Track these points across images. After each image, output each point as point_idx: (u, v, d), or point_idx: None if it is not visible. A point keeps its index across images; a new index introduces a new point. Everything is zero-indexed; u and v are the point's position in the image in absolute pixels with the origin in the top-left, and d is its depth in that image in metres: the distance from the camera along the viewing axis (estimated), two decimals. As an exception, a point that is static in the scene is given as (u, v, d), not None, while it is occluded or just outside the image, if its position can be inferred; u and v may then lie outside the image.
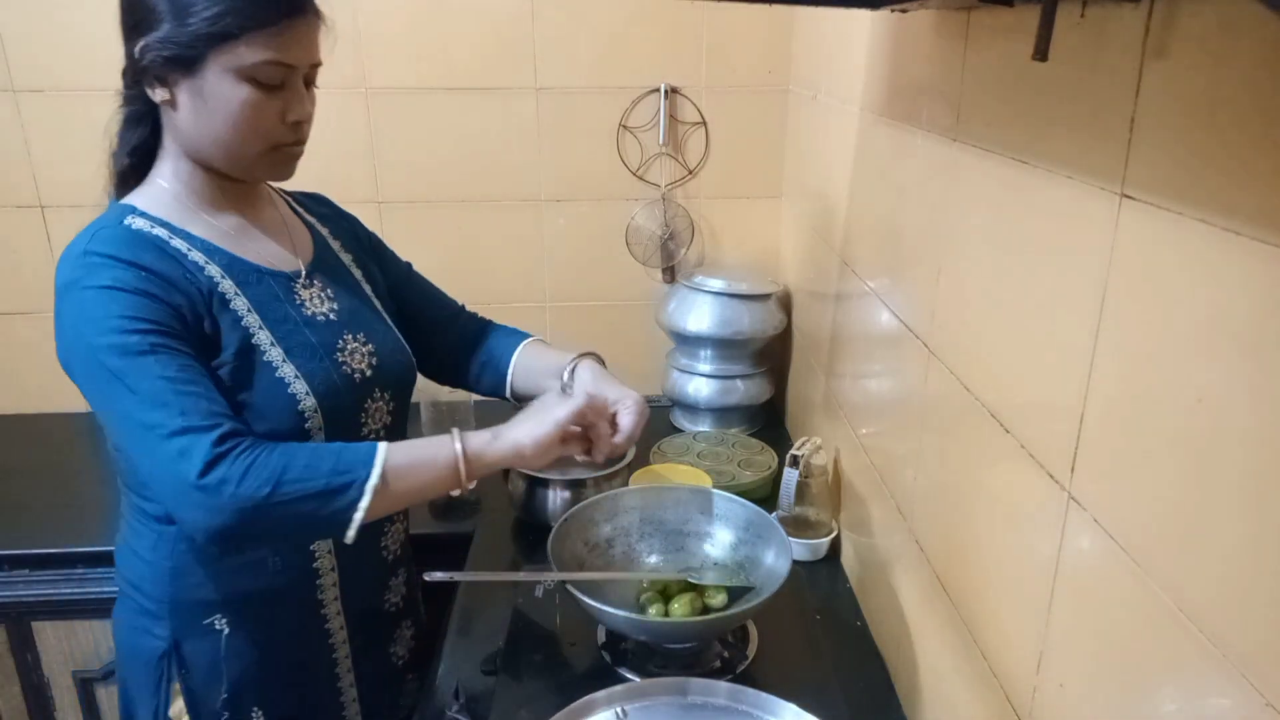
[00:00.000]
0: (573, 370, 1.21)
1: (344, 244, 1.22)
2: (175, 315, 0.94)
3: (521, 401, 1.30)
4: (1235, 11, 0.53)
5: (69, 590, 1.56)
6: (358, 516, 0.92)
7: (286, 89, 0.98)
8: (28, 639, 1.61)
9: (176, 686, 1.07)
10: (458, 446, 0.99)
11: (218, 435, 0.89)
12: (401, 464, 0.95)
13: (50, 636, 1.61)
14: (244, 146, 0.99)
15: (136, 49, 0.94)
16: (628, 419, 1.12)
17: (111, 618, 1.15)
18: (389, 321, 1.20)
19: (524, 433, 1.03)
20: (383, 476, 0.93)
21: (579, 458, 1.11)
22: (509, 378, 1.28)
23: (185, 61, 0.94)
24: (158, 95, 0.97)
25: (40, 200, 1.89)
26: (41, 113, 1.83)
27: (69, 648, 1.62)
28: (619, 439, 1.11)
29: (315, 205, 1.24)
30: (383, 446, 0.95)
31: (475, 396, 1.83)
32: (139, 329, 0.91)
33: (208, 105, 0.96)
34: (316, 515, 0.92)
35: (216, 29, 0.92)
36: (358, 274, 1.20)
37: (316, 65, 1.02)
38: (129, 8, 0.96)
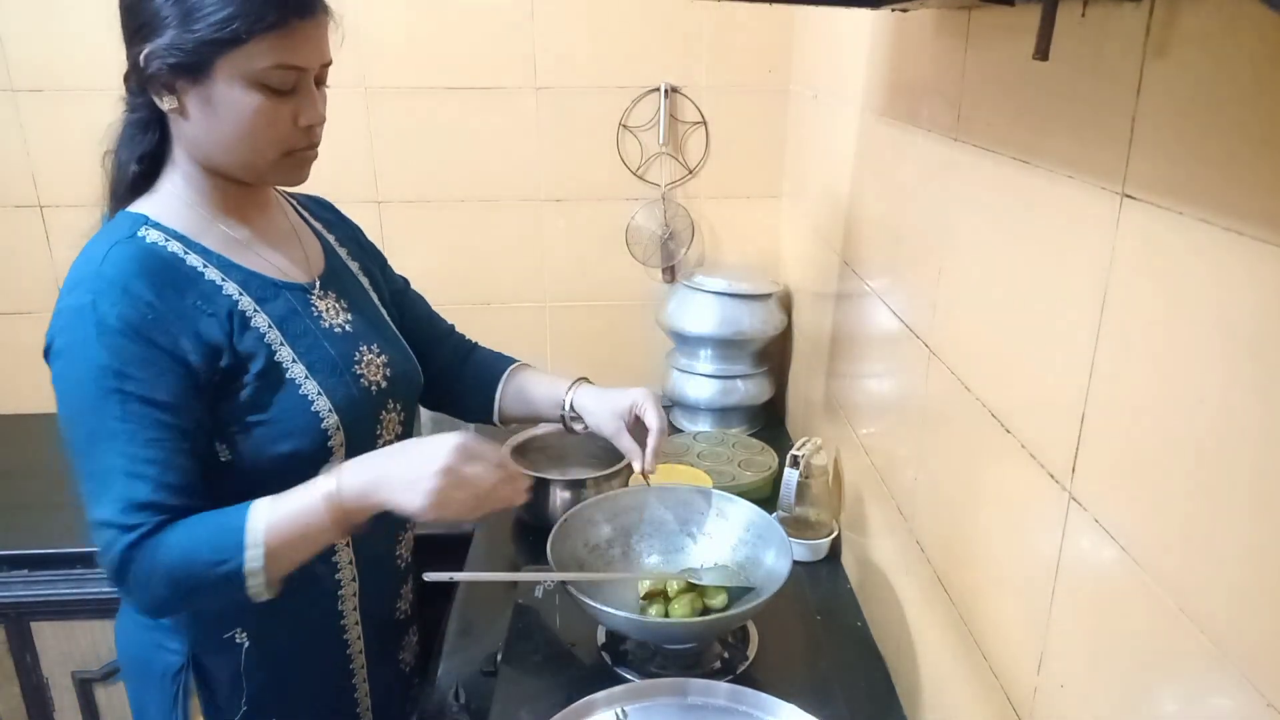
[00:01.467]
0: (571, 401, 1.24)
1: (350, 252, 1.21)
2: (173, 364, 0.92)
3: (507, 424, 1.32)
4: (1235, 11, 0.53)
5: (68, 590, 1.56)
6: (251, 593, 0.91)
7: (298, 92, 0.96)
8: (27, 639, 1.61)
9: (195, 702, 1.06)
10: (332, 494, 0.93)
11: (132, 540, 0.88)
12: (283, 534, 0.92)
13: (49, 637, 1.61)
14: (256, 154, 0.97)
15: (141, 56, 0.91)
16: (652, 414, 1.16)
17: (115, 632, 1.13)
18: (396, 331, 1.19)
19: (417, 498, 0.93)
20: (264, 553, 0.90)
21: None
22: (497, 402, 1.29)
23: (192, 69, 0.91)
24: (165, 103, 0.94)
25: (40, 200, 1.89)
26: (41, 113, 1.83)
27: (68, 648, 1.62)
28: (653, 437, 1.15)
29: (319, 210, 1.22)
30: (265, 522, 0.90)
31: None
32: (121, 388, 0.89)
33: (217, 113, 0.93)
34: (224, 598, 0.93)
35: (223, 34, 0.89)
36: (365, 282, 1.19)
37: (327, 64, 0.99)
38: (130, 12, 0.93)
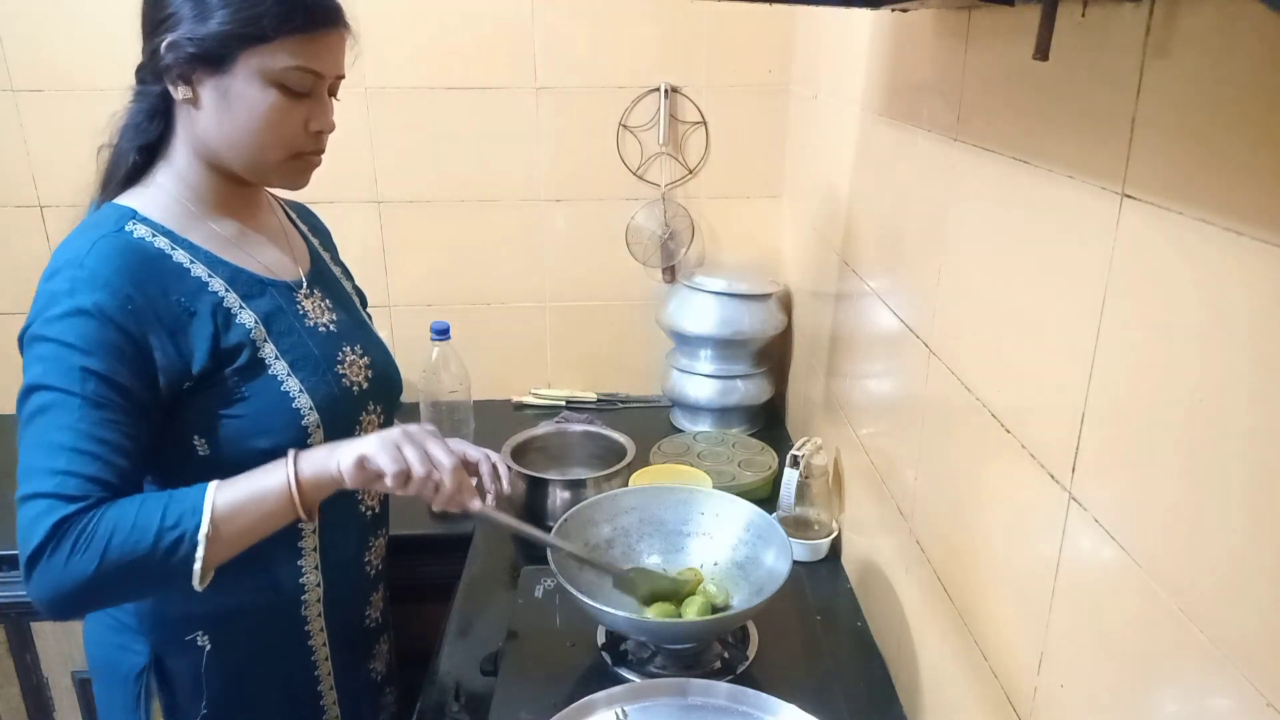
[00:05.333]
0: None
1: (332, 257, 1.24)
2: (138, 354, 0.91)
3: None
4: (1235, 11, 0.53)
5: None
6: (197, 568, 0.88)
7: (312, 97, 0.98)
8: (27, 639, 1.61)
9: (157, 704, 1.06)
10: (290, 471, 0.92)
11: (70, 512, 0.84)
12: (234, 501, 0.90)
13: (49, 637, 1.61)
14: (264, 152, 0.98)
15: (163, 44, 0.93)
16: (472, 449, 1.12)
17: (84, 633, 1.13)
18: (378, 335, 1.21)
19: (368, 442, 0.95)
20: (213, 521, 0.88)
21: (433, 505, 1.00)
22: None
23: (214, 60, 0.93)
24: (180, 93, 0.95)
25: (40, 200, 1.89)
26: (41, 113, 1.83)
27: (68, 648, 1.62)
28: (484, 464, 1.11)
29: (305, 216, 1.25)
30: (212, 488, 0.90)
31: (475, 396, 1.84)
32: (84, 365, 0.87)
33: (232, 107, 0.95)
34: (156, 573, 0.88)
35: (251, 30, 0.92)
36: (348, 287, 1.22)
37: (340, 77, 1.02)
38: (156, 3, 0.95)
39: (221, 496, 0.90)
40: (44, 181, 1.88)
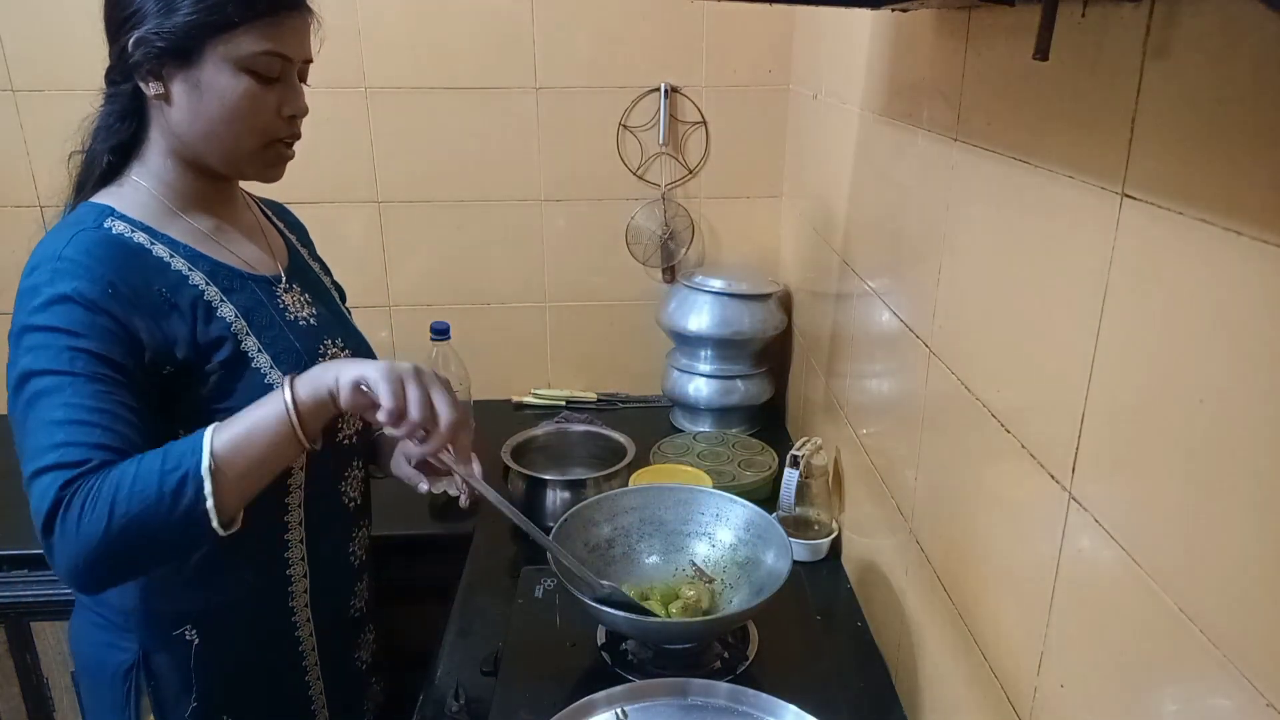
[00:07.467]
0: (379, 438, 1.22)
1: (310, 253, 1.24)
2: (126, 335, 0.91)
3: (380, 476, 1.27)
4: (1235, 11, 0.53)
5: (68, 590, 1.54)
6: (210, 506, 0.85)
7: (282, 82, 0.99)
8: (27, 639, 1.61)
9: (147, 701, 1.06)
10: (287, 394, 0.89)
11: (73, 475, 0.83)
12: (233, 435, 0.88)
13: (49, 637, 1.61)
14: (239, 140, 0.98)
15: (130, 42, 0.93)
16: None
17: (69, 633, 1.13)
18: (357, 328, 1.22)
19: (372, 366, 0.91)
20: (213, 455, 0.86)
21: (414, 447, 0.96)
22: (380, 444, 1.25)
23: (183, 52, 0.93)
24: (151, 89, 0.96)
25: (40, 200, 1.89)
26: (41, 113, 1.83)
27: (68, 648, 1.61)
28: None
29: (280, 213, 1.25)
30: (210, 428, 0.88)
31: (475, 396, 1.84)
32: (72, 345, 0.87)
33: (204, 98, 0.95)
34: (170, 522, 0.85)
35: (215, 18, 0.92)
36: (326, 282, 1.23)
37: (309, 61, 1.03)
38: (118, 3, 0.95)
39: (220, 434, 0.88)
40: (44, 181, 1.88)
